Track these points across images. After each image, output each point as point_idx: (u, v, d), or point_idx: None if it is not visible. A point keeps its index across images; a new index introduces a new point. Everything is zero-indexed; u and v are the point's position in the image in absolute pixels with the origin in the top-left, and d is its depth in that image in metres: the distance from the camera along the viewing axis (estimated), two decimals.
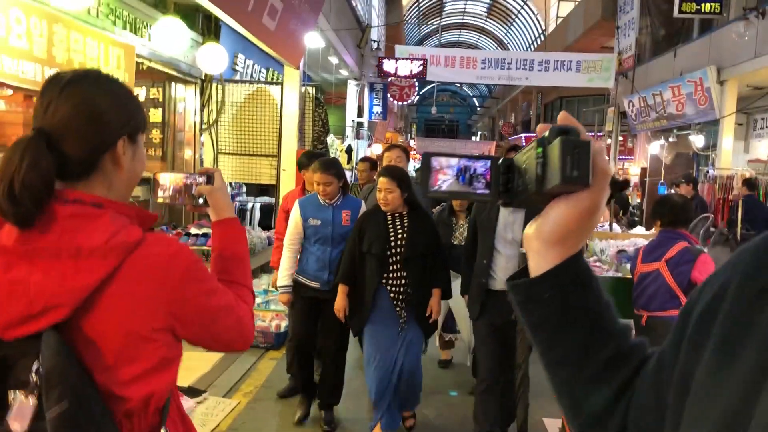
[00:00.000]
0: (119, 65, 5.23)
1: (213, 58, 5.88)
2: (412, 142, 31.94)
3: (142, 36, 5.75)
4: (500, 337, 3.87)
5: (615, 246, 5.42)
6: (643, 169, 16.33)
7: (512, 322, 3.74)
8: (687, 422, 0.57)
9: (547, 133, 0.65)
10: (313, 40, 7.73)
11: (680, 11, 11.36)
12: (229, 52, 7.05)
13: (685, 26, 14.09)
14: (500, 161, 0.71)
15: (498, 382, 3.89)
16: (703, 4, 11.17)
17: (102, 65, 5.03)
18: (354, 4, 10.83)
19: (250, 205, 8.88)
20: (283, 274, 4.31)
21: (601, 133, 17.90)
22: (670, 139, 14.40)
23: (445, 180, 0.69)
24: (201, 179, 1.51)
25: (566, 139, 0.62)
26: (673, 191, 9.00)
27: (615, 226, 6.84)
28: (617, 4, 16.67)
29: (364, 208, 4.37)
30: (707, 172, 11.20)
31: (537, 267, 0.72)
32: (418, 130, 44.01)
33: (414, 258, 3.87)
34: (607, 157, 0.66)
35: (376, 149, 16.01)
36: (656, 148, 14.94)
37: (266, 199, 8.94)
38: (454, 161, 0.70)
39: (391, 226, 3.94)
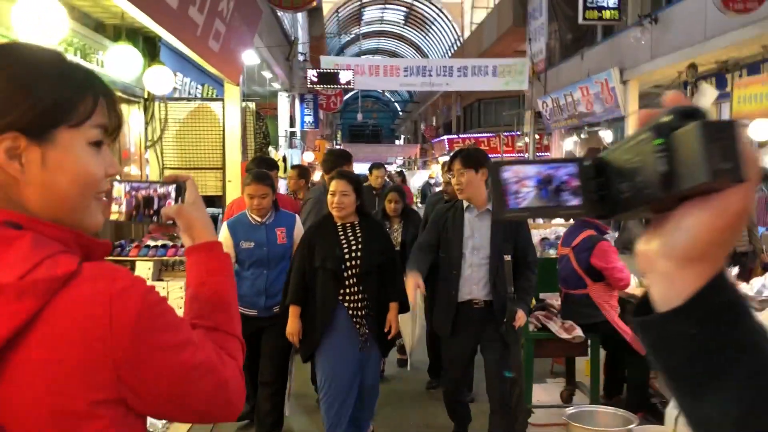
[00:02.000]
0: None
1: (159, 79, 6.23)
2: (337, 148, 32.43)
3: (90, 62, 6.06)
4: (469, 354, 3.78)
5: (538, 235, 6.12)
6: None
7: (487, 343, 3.65)
8: None
9: (665, 119, 0.52)
10: (249, 57, 8.15)
11: (584, 18, 12.37)
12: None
13: (590, 31, 15.19)
14: (586, 163, 0.57)
15: (462, 389, 3.88)
16: (603, 12, 12.21)
17: None
18: (282, 21, 11.29)
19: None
20: None
21: (519, 132, 18.96)
22: (582, 136, 15.52)
23: (522, 195, 0.56)
24: (167, 190, 1.16)
25: (707, 122, 0.49)
26: None
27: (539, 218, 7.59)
28: (527, 11, 17.75)
29: (299, 222, 4.11)
30: None
31: (671, 294, 0.54)
32: (343, 136, 44.54)
33: (371, 271, 3.60)
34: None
35: (308, 157, 16.46)
36: (570, 144, 16.04)
37: (212, 210, 9.26)
38: (532, 170, 0.57)
39: (343, 237, 3.64)
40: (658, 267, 0.54)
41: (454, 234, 3.66)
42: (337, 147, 10.57)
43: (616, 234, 6.16)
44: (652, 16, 11.00)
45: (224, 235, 3.93)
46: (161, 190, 1.17)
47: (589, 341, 4.27)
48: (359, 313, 3.58)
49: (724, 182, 0.50)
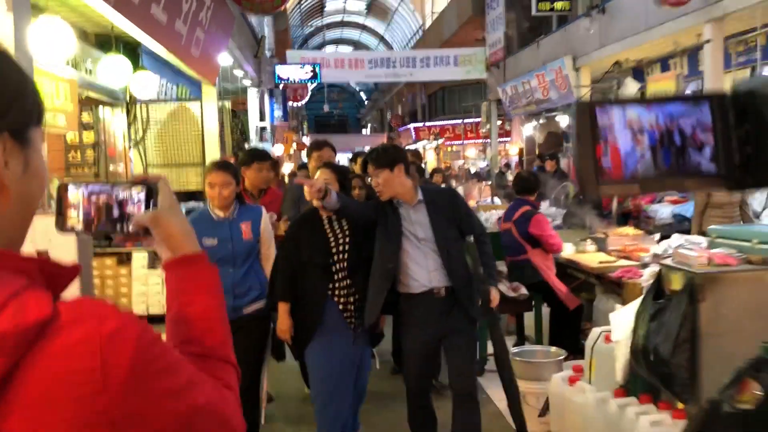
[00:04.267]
0: (66, 98, 6.03)
1: (144, 84, 6.73)
2: (305, 139, 32.87)
3: (80, 70, 6.55)
4: (429, 347, 3.57)
5: (496, 214, 6.81)
6: (521, 149, 18.24)
7: (451, 331, 3.50)
8: None
9: None
10: (224, 59, 8.67)
11: (537, 10, 13.08)
12: None
13: (545, 21, 15.91)
14: (727, 98, 0.33)
15: (427, 390, 3.68)
16: (555, 3, 12.94)
17: (54, 99, 5.83)
18: (249, 19, 11.76)
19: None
20: None
21: (480, 119, 19.69)
22: (541, 121, 16.31)
23: (630, 155, 0.33)
24: (136, 193, 0.99)
25: None
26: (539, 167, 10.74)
27: (496, 199, 8.28)
28: (485, 1, 18.41)
29: (266, 216, 3.87)
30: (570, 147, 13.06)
31: None
32: (310, 127, 44.81)
33: (360, 264, 3.51)
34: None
35: (278, 150, 16.95)
36: (530, 129, 16.82)
37: (193, 204, 9.77)
38: (641, 114, 0.34)
39: (329, 230, 3.53)
40: None
41: (392, 226, 3.48)
42: (259, 146, 10.77)
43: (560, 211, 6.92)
44: (600, 7, 11.74)
45: None
46: (128, 193, 0.99)
47: (533, 300, 5.11)
48: (350, 307, 3.47)
49: None
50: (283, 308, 3.50)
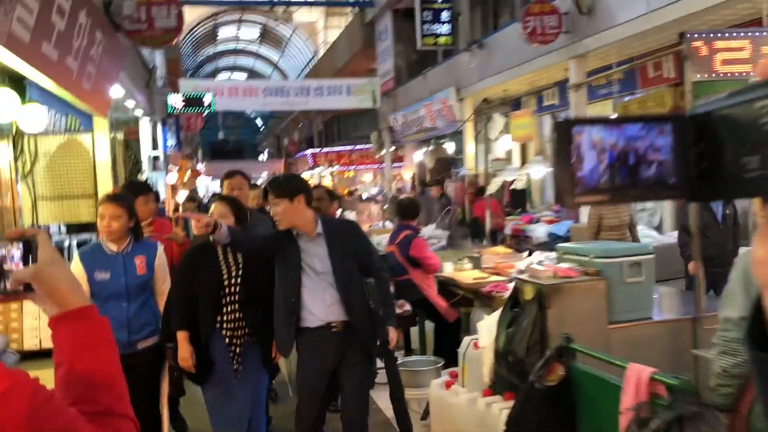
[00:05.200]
0: None
1: (33, 118, 6.71)
2: (200, 166, 32.41)
3: None
4: (324, 381, 3.54)
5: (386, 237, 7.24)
6: (414, 174, 19.01)
7: (347, 367, 3.50)
8: None
9: None
10: (116, 91, 8.71)
11: (422, 44, 13.85)
12: None
13: (432, 53, 16.78)
14: (689, 120, 0.41)
15: (319, 424, 3.62)
16: (439, 38, 13.76)
17: None
18: (140, 50, 11.76)
19: (66, 243, 9.50)
20: None
21: (375, 145, 20.34)
22: (430, 148, 17.12)
23: (600, 169, 0.41)
24: (13, 250, 0.97)
25: None
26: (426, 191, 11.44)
27: (388, 223, 8.76)
28: (375, 33, 19.15)
29: (161, 250, 3.81)
30: (458, 172, 13.84)
31: None
32: (205, 154, 44.08)
33: (253, 296, 3.52)
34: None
35: (171, 178, 16.77)
36: (420, 156, 17.59)
37: (85, 236, 9.61)
38: (613, 133, 0.41)
39: (223, 263, 3.54)
40: None
41: (290, 258, 3.44)
42: (153, 176, 10.58)
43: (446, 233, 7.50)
44: (479, 42, 12.63)
45: (75, 268, 3.53)
46: (5, 250, 0.97)
47: (417, 316, 5.61)
48: (236, 341, 3.49)
49: None
50: (181, 336, 3.49)
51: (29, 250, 0.97)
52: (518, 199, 11.87)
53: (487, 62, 12.34)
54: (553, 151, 0.43)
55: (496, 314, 3.61)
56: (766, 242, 0.42)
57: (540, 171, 11.05)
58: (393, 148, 20.11)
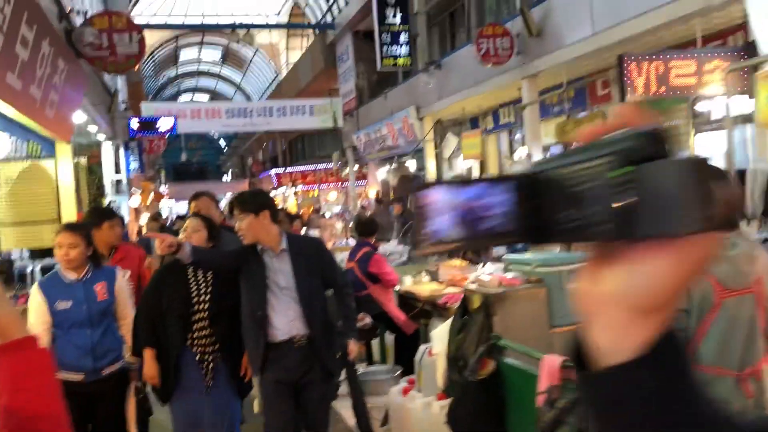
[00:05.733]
0: None
1: None
2: (163, 188, 32.22)
3: None
4: (291, 395, 3.60)
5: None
6: (378, 192, 19.29)
7: (309, 382, 3.57)
8: None
9: (630, 142, 0.43)
10: (78, 116, 8.81)
11: (382, 65, 14.19)
12: None
13: (392, 73, 17.16)
14: (523, 180, 0.48)
15: None
16: (398, 60, 14.11)
17: None
18: (102, 75, 11.84)
19: (29, 269, 9.49)
20: None
21: (339, 163, 20.59)
22: (393, 165, 17.42)
23: (449, 223, 0.47)
24: None
25: (700, 159, 0.42)
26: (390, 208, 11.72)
27: (351, 240, 8.99)
28: (336, 55, 19.48)
29: (120, 274, 3.90)
30: None
31: (623, 345, 0.46)
32: (168, 175, 43.79)
33: (222, 313, 3.60)
34: None
35: (134, 201, 16.76)
36: (383, 173, 17.89)
37: (49, 261, 9.62)
38: (461, 193, 0.47)
39: (192, 280, 3.63)
40: (608, 314, 0.46)
41: (256, 274, 3.52)
42: (116, 199, 10.55)
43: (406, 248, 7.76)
44: (437, 63, 13.01)
45: (35, 299, 3.59)
46: None
47: (377, 329, 5.82)
48: (208, 357, 3.56)
49: (708, 230, 0.41)
50: (148, 354, 3.58)
51: None
52: None
53: (445, 82, 12.71)
54: (414, 215, 0.50)
55: (449, 322, 3.86)
56: (587, 277, 0.48)
57: None
58: (356, 166, 20.39)
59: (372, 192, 20.32)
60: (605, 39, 7.95)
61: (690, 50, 7.24)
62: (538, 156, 10.14)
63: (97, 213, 4.86)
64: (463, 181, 0.48)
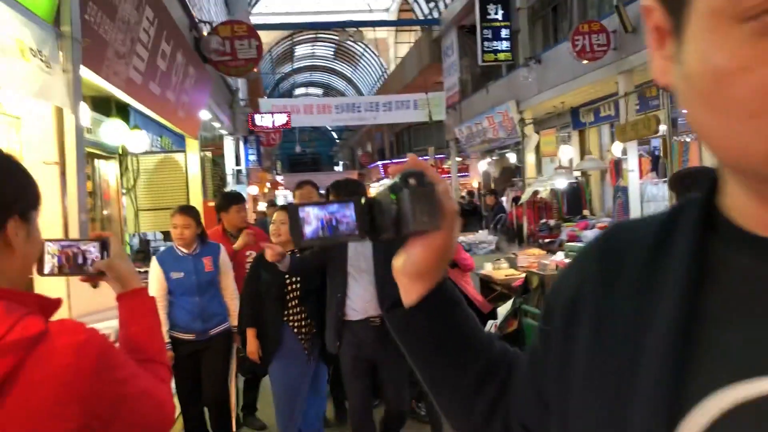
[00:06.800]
0: None
1: (137, 141, 7.95)
2: (279, 178, 33.88)
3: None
4: (367, 370, 3.87)
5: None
6: (479, 183, 19.68)
7: (385, 352, 3.72)
8: (573, 412, 0.60)
9: (397, 179, 0.69)
10: (203, 114, 9.95)
11: (483, 60, 14.57)
12: None
13: (495, 67, 17.44)
14: (362, 202, 0.72)
15: (368, 417, 3.92)
16: (498, 55, 14.45)
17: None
18: (225, 78, 13.07)
19: (162, 248, 10.77)
20: None
21: (444, 155, 21.12)
22: (494, 158, 17.76)
23: (314, 229, 0.71)
24: (93, 247, 1.36)
25: (414, 188, 0.67)
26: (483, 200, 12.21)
27: None
28: (442, 49, 19.97)
29: (224, 251, 4.36)
30: (519, 182, 14.48)
31: (408, 298, 0.76)
32: (283, 166, 45.66)
33: (310, 292, 3.99)
34: (452, 196, 0.73)
35: (253, 190, 18.11)
36: (484, 165, 18.25)
37: None
38: (320, 211, 0.71)
39: None
40: (400, 281, 0.76)
41: (339, 258, 3.81)
42: (236, 188, 11.50)
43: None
44: (536, 58, 13.26)
45: (154, 269, 4.17)
46: (89, 246, 1.35)
47: None
48: (303, 330, 3.97)
49: (427, 230, 0.69)
50: (250, 333, 4.09)
51: (105, 248, 1.36)
52: (576, 206, 12.32)
53: (544, 77, 12.92)
54: (289, 221, 0.73)
55: (512, 300, 4.39)
56: (396, 260, 0.75)
57: (562, 182, 11.66)
58: (459, 159, 20.84)
59: (475, 183, 20.73)
60: None
61: None
62: (632, 150, 10.28)
63: (227, 197, 5.35)
64: (322, 203, 0.73)
